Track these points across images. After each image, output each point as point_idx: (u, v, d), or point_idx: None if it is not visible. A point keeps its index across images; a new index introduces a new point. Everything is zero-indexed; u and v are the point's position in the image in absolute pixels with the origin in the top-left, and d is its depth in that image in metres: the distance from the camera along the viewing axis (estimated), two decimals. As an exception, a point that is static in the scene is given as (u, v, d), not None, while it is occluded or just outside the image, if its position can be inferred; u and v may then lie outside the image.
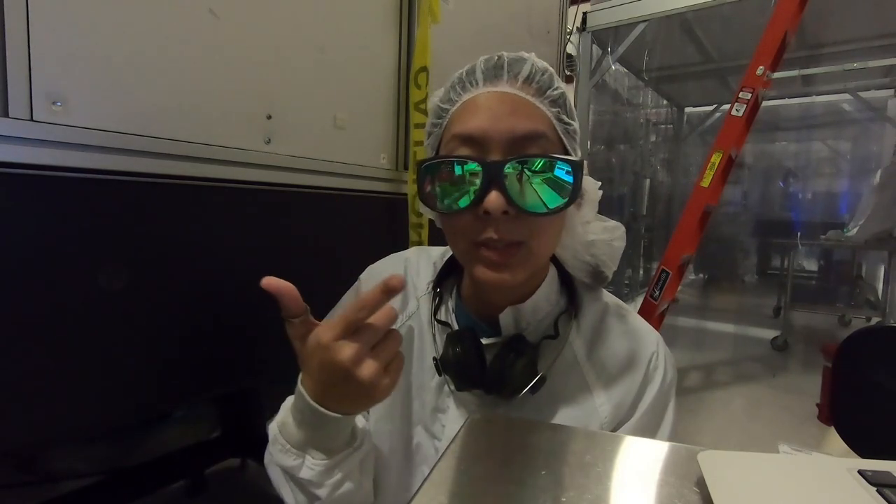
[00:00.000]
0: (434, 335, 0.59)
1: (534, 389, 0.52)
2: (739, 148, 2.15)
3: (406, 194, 1.22)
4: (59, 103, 0.64)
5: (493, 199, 0.46)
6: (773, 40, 2.08)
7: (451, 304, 0.61)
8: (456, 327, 0.58)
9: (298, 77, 0.97)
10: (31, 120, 0.62)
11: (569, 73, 2.89)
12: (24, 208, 0.62)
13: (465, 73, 0.52)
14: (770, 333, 3.49)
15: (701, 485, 0.31)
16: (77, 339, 0.68)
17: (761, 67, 2.08)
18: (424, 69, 1.16)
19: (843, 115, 4.65)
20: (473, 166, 0.47)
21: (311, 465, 0.47)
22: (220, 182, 0.83)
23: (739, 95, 2.12)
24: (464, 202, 0.47)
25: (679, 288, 2.34)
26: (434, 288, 0.62)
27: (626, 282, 4.26)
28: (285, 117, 0.94)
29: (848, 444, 1.01)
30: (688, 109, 5.27)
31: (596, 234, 0.56)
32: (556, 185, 0.47)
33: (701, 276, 5.87)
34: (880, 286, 3.99)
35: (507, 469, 0.36)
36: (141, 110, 0.73)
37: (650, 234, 4.65)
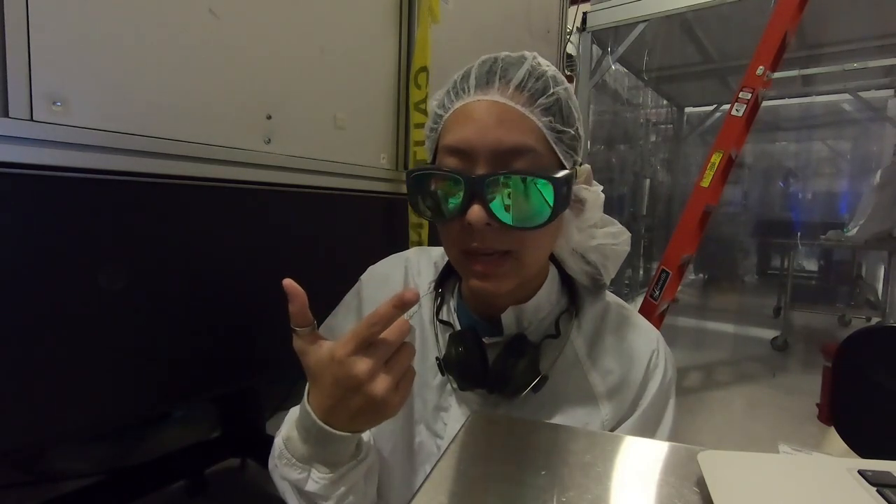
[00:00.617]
0: (437, 335, 0.60)
1: (536, 389, 0.52)
2: (739, 148, 2.15)
3: (406, 194, 1.22)
4: (59, 103, 0.64)
5: (475, 212, 0.46)
6: (773, 40, 2.08)
7: (452, 303, 0.61)
8: (458, 327, 0.58)
9: (298, 77, 0.97)
10: (31, 120, 0.62)
11: (569, 73, 2.89)
12: (24, 208, 0.62)
13: (459, 78, 0.52)
14: (770, 333, 3.49)
15: (701, 485, 0.31)
16: (77, 339, 0.68)
17: (761, 67, 2.08)
18: (424, 69, 1.16)
19: (843, 115, 4.65)
20: (457, 180, 0.47)
21: (316, 479, 0.47)
22: (220, 182, 0.83)
23: (739, 95, 2.12)
24: (450, 213, 0.48)
25: (679, 288, 2.34)
26: (436, 288, 0.62)
27: (626, 282, 4.26)
28: (285, 117, 0.94)
29: (848, 444, 1.01)
30: (688, 109, 5.27)
31: (599, 239, 0.56)
32: (538, 200, 0.47)
33: (701, 276, 5.87)
34: (880, 286, 3.99)
35: (507, 469, 0.36)
36: (141, 110, 0.73)
37: (650, 234, 4.65)
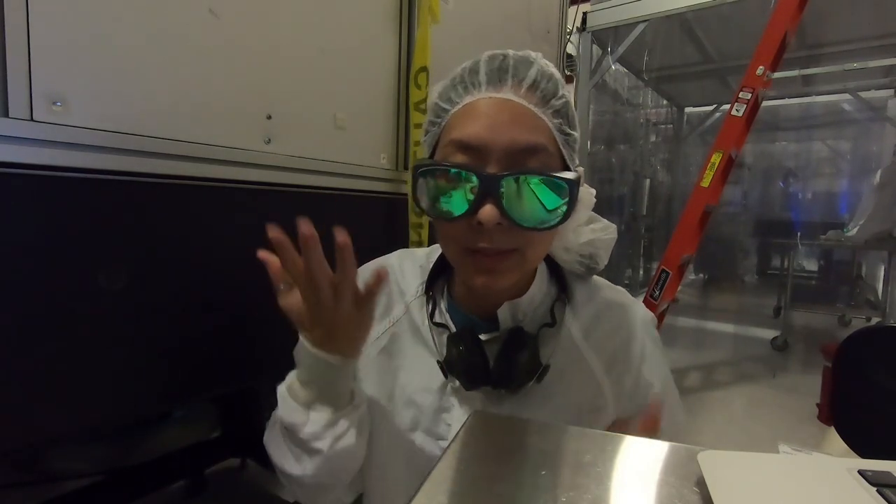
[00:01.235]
0: (433, 337, 0.59)
1: (539, 379, 0.54)
2: (739, 148, 2.15)
3: (406, 194, 1.22)
4: (59, 103, 0.64)
5: (488, 211, 0.45)
6: (773, 40, 2.08)
7: (443, 304, 0.60)
8: (453, 328, 0.58)
9: (298, 77, 0.97)
10: (31, 120, 0.62)
11: (569, 73, 2.89)
12: (24, 208, 0.62)
13: (467, 73, 0.50)
14: (770, 333, 3.49)
15: (701, 485, 0.31)
16: (77, 339, 0.68)
17: (761, 67, 2.08)
18: (424, 69, 1.16)
19: (843, 115, 4.65)
20: (470, 177, 0.46)
21: (315, 420, 0.49)
22: (220, 182, 0.83)
23: (739, 95, 2.12)
24: (458, 211, 0.47)
25: (679, 288, 2.35)
26: (426, 291, 0.61)
27: (627, 282, 4.26)
28: (285, 117, 0.94)
29: (848, 444, 1.01)
30: (688, 109, 5.27)
31: (588, 235, 0.58)
32: (554, 200, 0.47)
33: (701, 276, 5.87)
34: (880, 286, 3.99)
35: (507, 469, 0.36)
36: (141, 110, 0.73)
37: (650, 234, 4.65)
